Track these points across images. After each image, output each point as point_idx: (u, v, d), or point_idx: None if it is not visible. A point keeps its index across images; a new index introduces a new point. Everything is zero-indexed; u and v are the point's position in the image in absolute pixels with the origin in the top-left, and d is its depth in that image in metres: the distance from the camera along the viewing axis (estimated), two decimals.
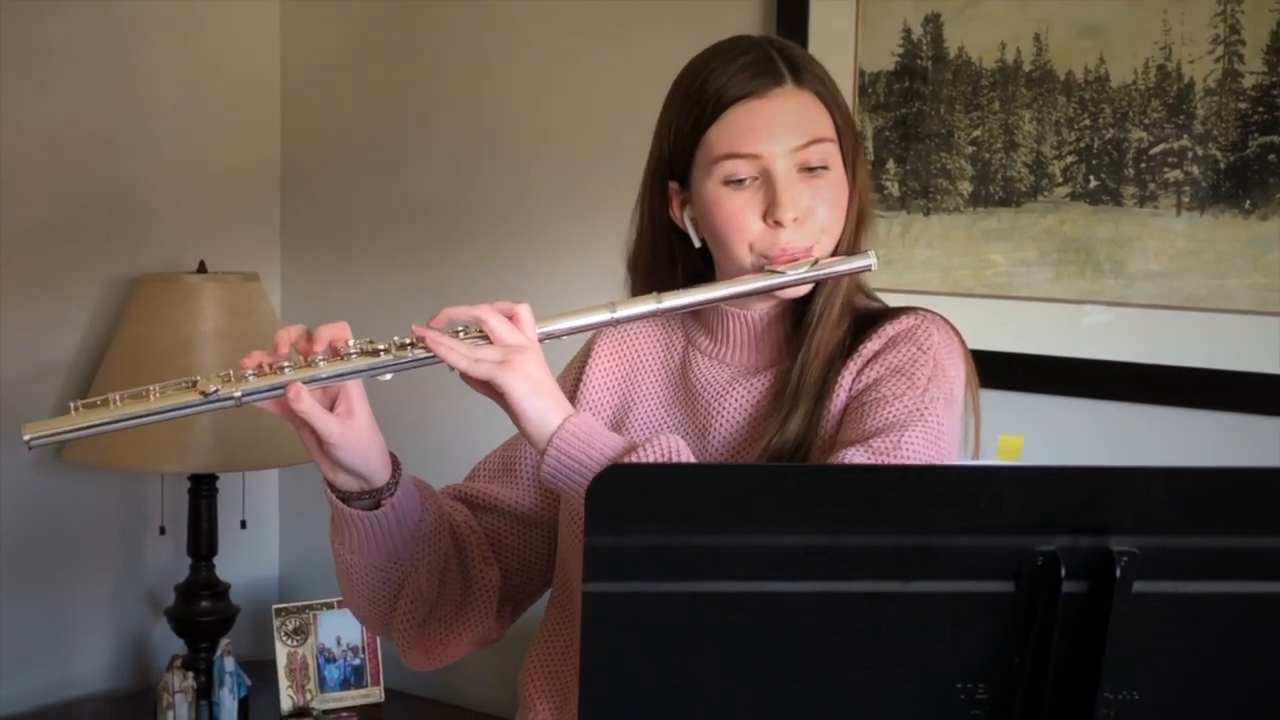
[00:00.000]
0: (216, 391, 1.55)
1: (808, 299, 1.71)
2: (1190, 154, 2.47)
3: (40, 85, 3.10)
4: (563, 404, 1.58)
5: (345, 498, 1.65)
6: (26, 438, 1.55)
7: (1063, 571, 1.12)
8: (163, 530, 3.16)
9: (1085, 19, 2.55)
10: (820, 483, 1.18)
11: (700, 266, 1.78)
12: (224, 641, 3.06)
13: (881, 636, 1.17)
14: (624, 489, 1.13)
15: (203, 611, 3.09)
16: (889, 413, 1.61)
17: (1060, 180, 2.59)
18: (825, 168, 1.67)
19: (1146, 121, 2.50)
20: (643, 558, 1.13)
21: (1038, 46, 2.59)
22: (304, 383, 1.55)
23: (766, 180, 1.66)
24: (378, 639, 3.13)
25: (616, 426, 1.79)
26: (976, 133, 2.66)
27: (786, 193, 1.64)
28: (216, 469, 3.03)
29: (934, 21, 2.68)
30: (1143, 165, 2.51)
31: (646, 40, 2.98)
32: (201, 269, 3.15)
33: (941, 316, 1.75)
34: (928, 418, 1.62)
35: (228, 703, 3.01)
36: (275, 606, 3.16)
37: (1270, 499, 1.13)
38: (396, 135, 3.37)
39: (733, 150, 1.66)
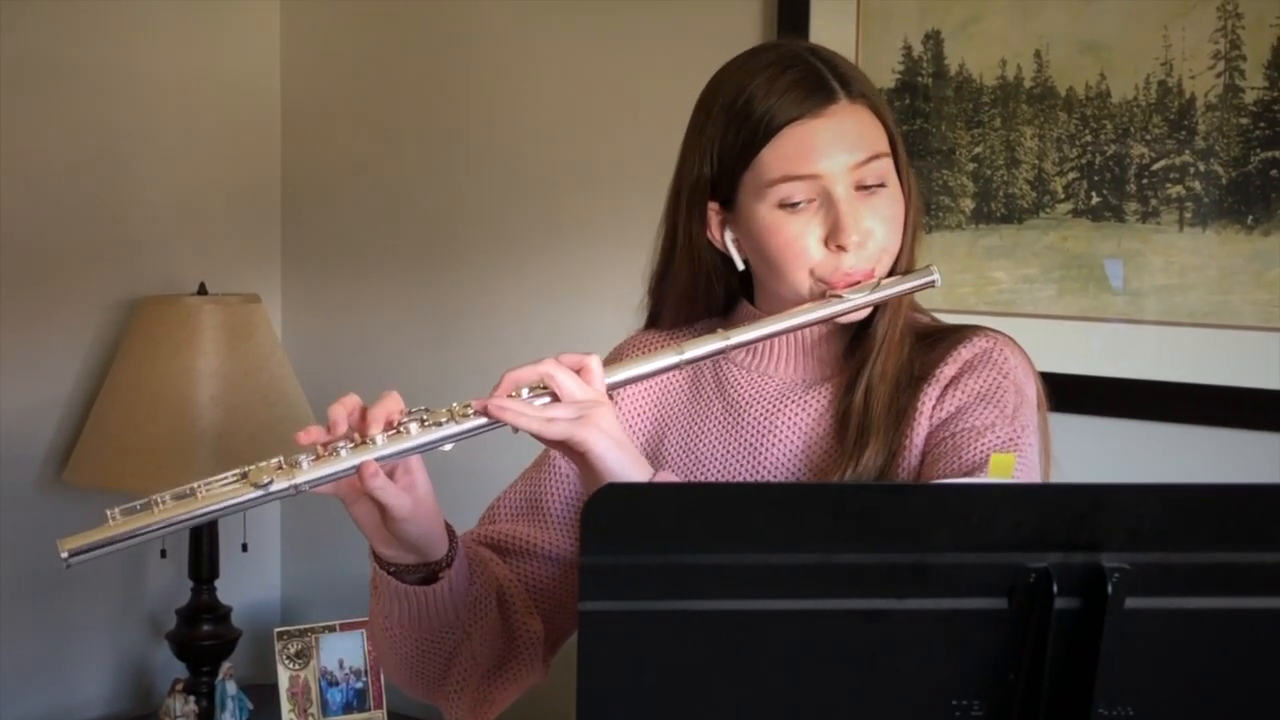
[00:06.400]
0: (271, 483, 1.46)
1: (867, 318, 1.66)
2: (1192, 170, 2.46)
3: (39, 107, 3.10)
4: (642, 460, 1.51)
5: (397, 571, 1.57)
6: (64, 555, 1.45)
7: (1055, 588, 1.11)
8: (164, 553, 3.15)
9: (1086, 35, 2.54)
10: (814, 501, 1.18)
11: (737, 286, 1.73)
12: (225, 665, 3.05)
13: (875, 654, 1.16)
14: (619, 508, 1.12)
15: (204, 635, 3.09)
16: (986, 444, 1.57)
17: (1062, 197, 2.58)
18: (882, 185, 1.61)
19: (1148, 137, 2.50)
20: (638, 576, 1.12)
21: (1038, 63, 2.59)
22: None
23: (825, 202, 1.59)
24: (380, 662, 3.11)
25: (653, 453, 1.72)
26: (978, 149, 2.65)
27: (849, 216, 1.58)
28: None
29: (934, 38, 2.68)
30: (1145, 181, 2.50)
31: (655, 56, 2.98)
32: (202, 290, 3.15)
33: (1008, 335, 1.70)
34: (1022, 447, 1.59)
35: None
36: (277, 630, 3.14)
37: (1261, 514, 1.13)
38: (397, 155, 3.37)
39: (790, 173, 1.58)
